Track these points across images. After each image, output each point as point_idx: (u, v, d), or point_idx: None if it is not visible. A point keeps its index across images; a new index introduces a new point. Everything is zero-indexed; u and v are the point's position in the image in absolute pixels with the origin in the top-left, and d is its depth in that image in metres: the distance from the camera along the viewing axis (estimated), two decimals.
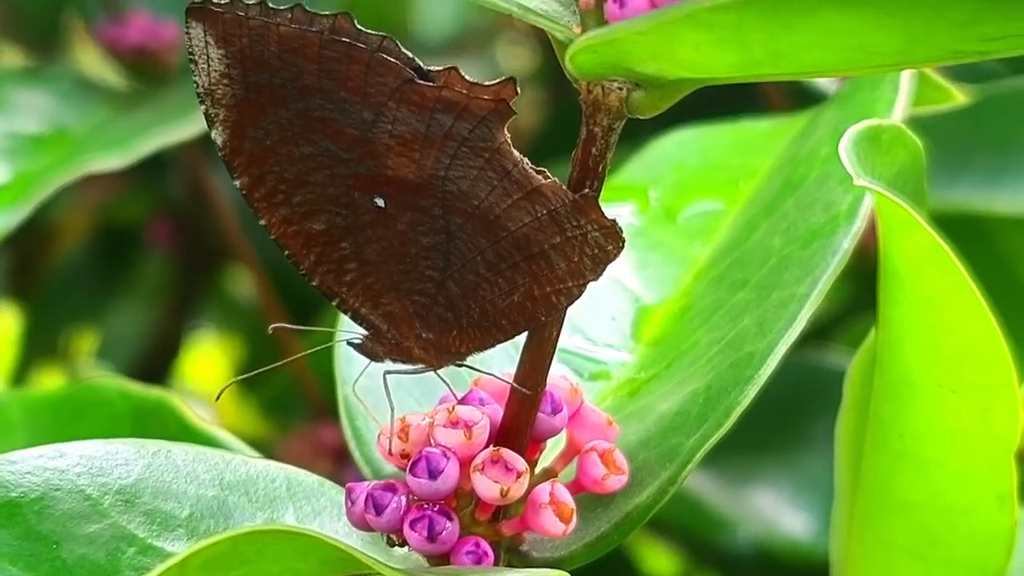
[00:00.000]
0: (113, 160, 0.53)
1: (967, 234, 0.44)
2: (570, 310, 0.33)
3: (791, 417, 0.60)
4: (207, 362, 1.02)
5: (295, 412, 0.68)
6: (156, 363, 0.83)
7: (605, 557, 0.35)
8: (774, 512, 0.59)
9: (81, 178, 0.54)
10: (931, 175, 0.38)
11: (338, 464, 0.59)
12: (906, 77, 0.40)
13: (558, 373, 0.35)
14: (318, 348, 0.35)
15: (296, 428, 0.65)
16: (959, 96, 0.47)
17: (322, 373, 0.63)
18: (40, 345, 0.87)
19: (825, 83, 0.58)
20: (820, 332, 0.64)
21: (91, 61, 0.73)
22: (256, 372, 0.34)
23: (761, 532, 0.60)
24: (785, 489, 0.60)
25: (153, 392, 0.42)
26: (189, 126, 0.54)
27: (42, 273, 0.88)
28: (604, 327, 0.39)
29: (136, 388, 0.42)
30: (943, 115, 0.51)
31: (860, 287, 0.64)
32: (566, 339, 0.37)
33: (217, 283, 0.88)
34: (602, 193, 0.32)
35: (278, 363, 0.37)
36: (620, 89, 0.30)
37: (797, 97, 0.61)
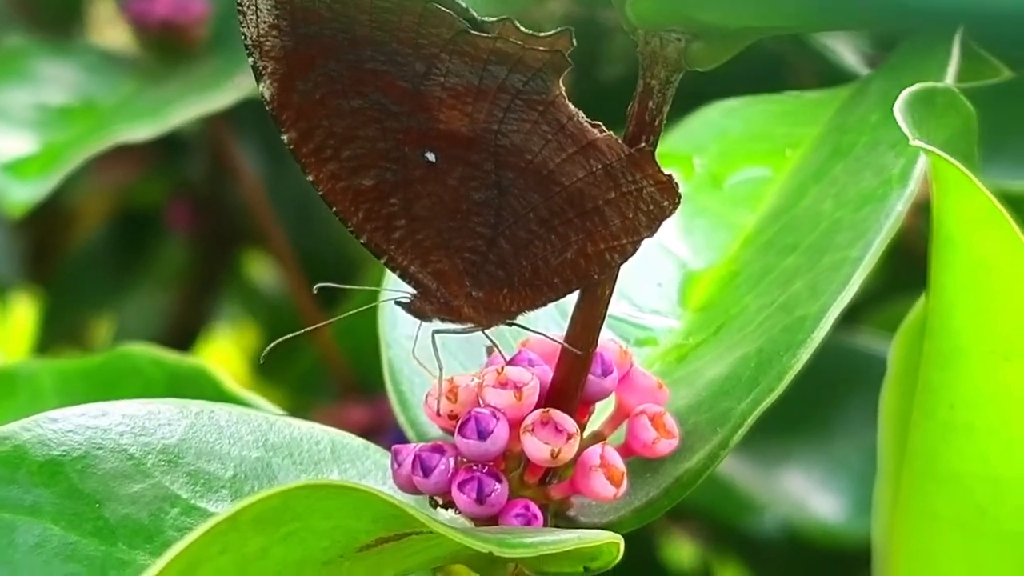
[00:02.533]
0: (143, 130, 0.52)
1: None
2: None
3: (822, 399, 0.60)
4: (222, 355, 1.01)
5: (321, 391, 0.68)
6: (174, 350, 0.83)
7: (626, 543, 0.34)
8: (804, 494, 0.59)
9: (104, 154, 0.54)
10: None
11: None
12: (956, 46, 0.40)
13: (606, 337, 0.35)
14: (365, 308, 0.35)
15: (322, 406, 0.64)
16: (1005, 70, 0.46)
17: (349, 351, 0.62)
18: (58, 330, 0.86)
19: (857, 66, 0.58)
20: (851, 314, 0.64)
21: (109, 40, 0.72)
22: (295, 334, 0.34)
23: (791, 515, 0.59)
24: (815, 471, 0.59)
25: (188, 359, 0.42)
26: (220, 97, 0.53)
27: (60, 258, 0.87)
28: (650, 293, 0.38)
29: (170, 356, 0.42)
30: (974, 101, 0.50)
31: (893, 270, 0.64)
32: (612, 305, 0.36)
33: (237, 268, 0.87)
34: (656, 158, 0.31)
35: (315, 326, 0.37)
36: (679, 40, 0.29)
37: (828, 82, 0.60)
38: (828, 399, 0.60)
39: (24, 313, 0.91)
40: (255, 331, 0.91)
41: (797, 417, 0.60)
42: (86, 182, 0.82)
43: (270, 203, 0.66)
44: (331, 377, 0.65)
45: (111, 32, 0.73)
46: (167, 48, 0.63)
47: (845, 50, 0.58)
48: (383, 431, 0.58)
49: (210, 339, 0.94)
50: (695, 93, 0.45)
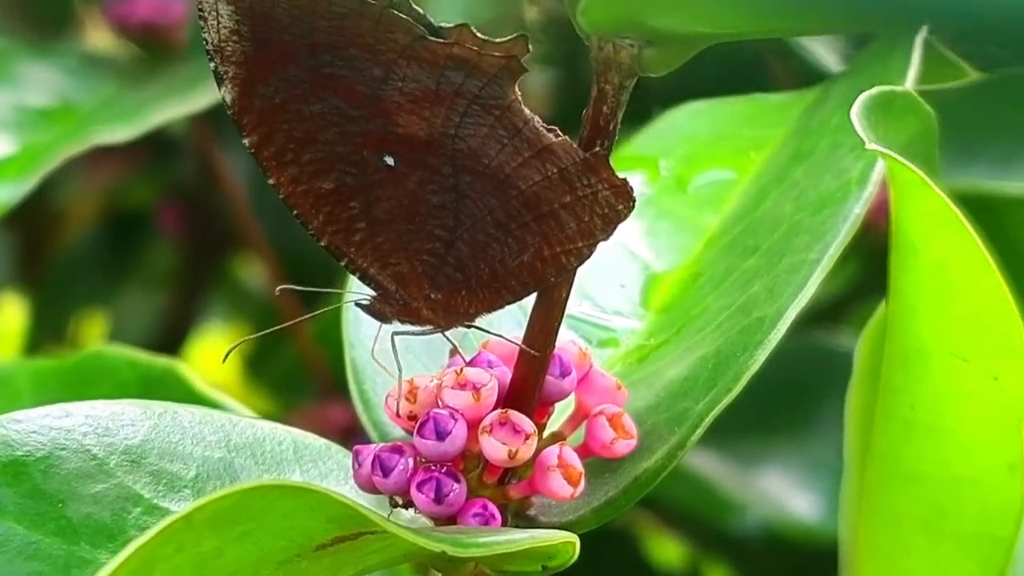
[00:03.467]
0: (121, 132, 0.52)
1: (976, 215, 0.44)
2: (579, 277, 0.33)
3: (800, 399, 0.60)
4: (213, 356, 1.01)
5: (302, 392, 0.68)
6: (163, 351, 0.83)
7: (613, 545, 0.34)
8: (783, 494, 0.59)
9: (88, 154, 0.54)
10: (941, 161, 0.38)
11: (345, 443, 0.59)
12: (917, 49, 0.40)
13: (567, 338, 0.35)
14: (327, 309, 0.35)
15: (302, 407, 0.65)
16: (971, 72, 0.47)
17: (329, 351, 0.63)
18: (47, 332, 0.86)
19: (833, 65, 0.58)
20: (828, 314, 0.64)
21: (100, 43, 0.73)
22: (268, 331, 0.34)
23: (770, 514, 0.60)
24: (794, 471, 0.60)
25: (160, 361, 0.42)
26: (198, 99, 0.54)
27: (49, 259, 0.87)
28: (613, 294, 0.39)
29: (143, 357, 0.42)
30: (953, 103, 0.51)
31: (868, 270, 0.64)
32: (575, 306, 0.36)
33: (226, 270, 0.88)
34: (611, 163, 0.31)
35: (289, 322, 0.37)
36: (632, 46, 0.30)
37: (806, 81, 0.60)
38: (807, 399, 0.61)
39: (14, 315, 0.92)
40: (245, 333, 0.91)
41: (776, 417, 0.61)
42: (75, 184, 0.82)
43: (254, 206, 0.67)
44: (312, 377, 0.65)
45: (103, 36, 0.73)
46: (148, 50, 0.63)
47: (824, 51, 0.58)
48: (363, 431, 0.58)
49: (201, 341, 0.94)
50: (671, 95, 0.46)
